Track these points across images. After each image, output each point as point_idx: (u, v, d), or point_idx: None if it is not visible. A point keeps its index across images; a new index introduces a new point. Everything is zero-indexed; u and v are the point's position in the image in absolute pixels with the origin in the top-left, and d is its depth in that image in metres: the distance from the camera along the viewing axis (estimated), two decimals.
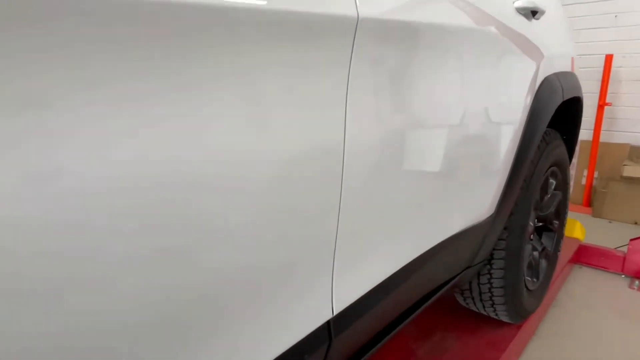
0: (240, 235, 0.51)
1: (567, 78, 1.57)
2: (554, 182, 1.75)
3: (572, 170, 4.02)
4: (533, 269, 1.73)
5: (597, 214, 3.64)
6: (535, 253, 1.75)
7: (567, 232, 2.71)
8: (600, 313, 2.10)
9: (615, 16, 3.77)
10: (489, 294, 1.50)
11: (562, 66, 1.54)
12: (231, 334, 0.54)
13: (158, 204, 0.42)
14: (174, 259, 0.45)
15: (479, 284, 1.51)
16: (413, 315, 1.08)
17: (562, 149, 1.69)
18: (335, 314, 0.69)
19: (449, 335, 1.65)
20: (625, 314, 2.10)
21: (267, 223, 0.54)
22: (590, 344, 1.83)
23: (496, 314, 1.60)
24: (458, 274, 1.27)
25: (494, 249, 1.43)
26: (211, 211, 0.47)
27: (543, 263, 1.81)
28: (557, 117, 1.80)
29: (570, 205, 3.97)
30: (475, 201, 1.16)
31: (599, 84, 3.81)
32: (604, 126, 3.85)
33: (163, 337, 0.46)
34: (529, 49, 1.26)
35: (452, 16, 0.90)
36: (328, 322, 0.69)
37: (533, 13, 1.30)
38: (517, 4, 1.20)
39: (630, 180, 3.39)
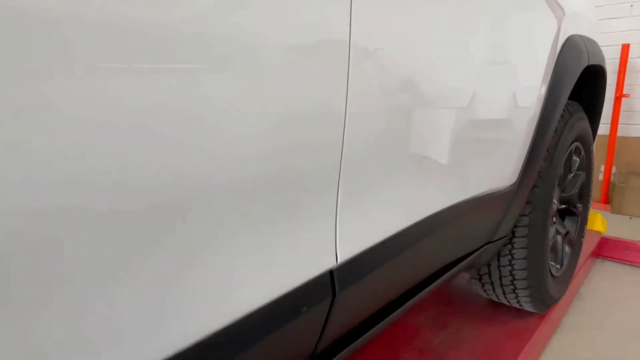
0: (239, 160, 0.42)
1: (591, 42, 1.46)
2: (577, 161, 1.62)
3: None
4: (557, 253, 1.60)
5: (616, 210, 3.48)
6: (559, 237, 1.62)
7: (588, 225, 2.56)
8: (626, 306, 1.95)
9: (632, 5, 3.65)
10: (510, 277, 1.37)
11: (586, 29, 1.43)
12: (226, 259, 0.44)
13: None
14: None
15: (499, 266, 1.38)
16: (430, 288, 0.96)
17: (585, 123, 1.57)
18: (339, 262, 0.58)
19: (466, 326, 1.51)
20: None
21: (264, 152, 0.45)
22: (617, 338, 1.68)
23: (518, 302, 1.47)
24: (477, 249, 1.15)
25: (515, 226, 1.30)
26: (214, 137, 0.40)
27: (567, 249, 1.67)
28: (578, 89, 1.68)
29: None
30: (497, 164, 1.04)
31: (615, 76, 3.67)
32: (621, 119, 3.71)
33: (156, 252, 0.37)
34: (550, 2, 1.15)
35: None
36: (331, 273, 0.58)
37: None
38: None
39: None
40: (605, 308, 1.93)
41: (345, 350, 0.70)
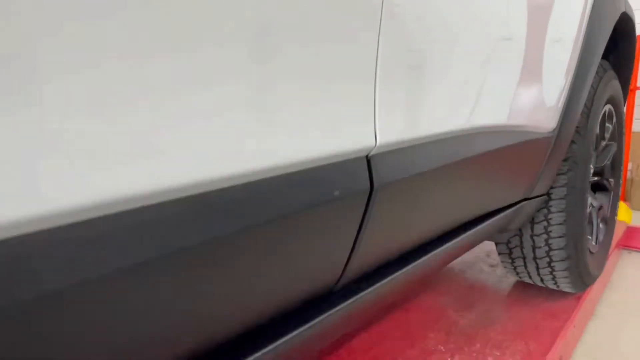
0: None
1: None
2: (610, 128, 1.49)
3: None
4: (592, 226, 1.45)
5: (636, 207, 3.33)
6: (593, 210, 1.47)
7: None
8: None
9: None
10: (546, 248, 1.23)
11: None
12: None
13: None
14: None
15: (532, 235, 1.23)
16: (462, 240, 0.81)
17: (617, 84, 1.45)
18: (378, 143, 0.44)
19: (496, 307, 1.36)
20: None
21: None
22: None
23: (554, 278, 1.31)
24: (514, 205, 1.01)
25: (552, 187, 1.16)
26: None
27: (601, 225, 1.53)
28: (607, 49, 1.57)
29: None
30: (537, 99, 0.91)
31: None
32: (636, 114, 3.59)
33: None
34: None
35: None
36: (368, 159, 0.44)
37: None
38: None
39: None
40: (638, 294, 1.77)
41: (366, 291, 0.55)
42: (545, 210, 1.19)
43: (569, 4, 0.99)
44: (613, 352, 1.34)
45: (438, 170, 0.57)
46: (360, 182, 0.43)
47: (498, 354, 1.10)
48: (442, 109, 0.57)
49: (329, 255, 0.45)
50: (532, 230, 1.23)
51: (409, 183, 0.50)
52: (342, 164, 0.41)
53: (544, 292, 1.45)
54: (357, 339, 1.17)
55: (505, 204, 0.95)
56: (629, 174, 3.62)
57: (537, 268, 1.31)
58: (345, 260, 0.47)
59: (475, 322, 1.25)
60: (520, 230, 1.25)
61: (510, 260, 1.36)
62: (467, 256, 1.86)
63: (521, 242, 1.27)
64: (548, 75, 0.94)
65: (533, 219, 1.21)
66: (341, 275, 0.49)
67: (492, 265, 1.71)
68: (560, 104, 1.01)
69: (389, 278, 0.56)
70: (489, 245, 1.90)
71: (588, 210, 1.37)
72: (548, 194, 1.17)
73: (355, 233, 0.46)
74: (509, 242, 1.30)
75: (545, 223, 1.20)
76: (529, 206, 1.09)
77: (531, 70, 0.87)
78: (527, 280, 1.42)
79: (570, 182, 1.16)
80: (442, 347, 1.12)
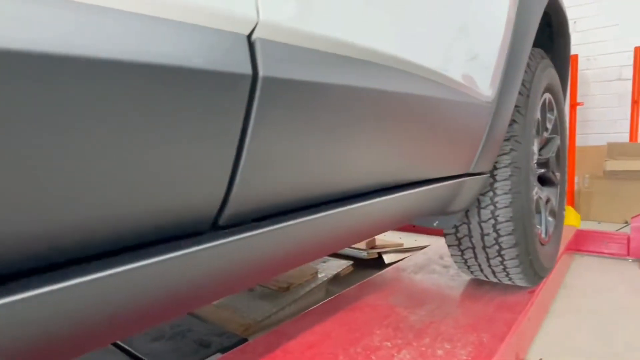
0: None
1: None
2: (552, 119, 1.50)
3: None
4: (541, 217, 1.42)
5: (585, 217, 3.41)
6: (541, 200, 1.45)
7: None
8: (616, 292, 1.77)
9: (574, 22, 3.82)
10: (495, 235, 1.17)
11: None
12: None
13: None
14: None
15: (480, 222, 1.18)
16: (378, 200, 0.72)
17: (555, 75, 1.46)
18: (260, 19, 0.36)
19: (448, 302, 1.28)
20: None
21: None
22: (611, 319, 1.48)
23: (505, 270, 1.25)
24: (454, 178, 0.95)
25: (496, 169, 1.12)
26: None
27: (550, 219, 1.50)
28: (542, 41, 1.59)
29: None
30: (471, 62, 0.87)
31: (568, 88, 3.76)
32: (578, 129, 3.75)
33: None
34: None
35: None
36: (251, 40, 0.36)
37: None
38: None
39: (614, 175, 3.22)
40: (595, 294, 1.74)
41: (259, 231, 0.43)
42: (491, 193, 1.14)
43: None
44: (569, 349, 1.28)
45: (343, 90, 0.48)
46: (241, 60, 0.34)
47: (449, 347, 1.01)
48: (356, 17, 0.49)
49: (201, 161, 0.35)
50: (479, 216, 1.17)
51: (305, 89, 0.42)
52: (215, 33, 0.32)
53: (498, 287, 1.39)
54: (297, 336, 1.04)
55: (443, 175, 0.89)
56: (576, 186, 3.74)
57: (488, 259, 1.24)
58: (226, 177, 0.37)
59: (425, 318, 1.16)
60: (467, 218, 1.20)
61: (460, 253, 1.29)
62: (420, 259, 1.79)
63: (469, 230, 1.21)
64: (483, 39, 0.91)
65: (480, 203, 1.16)
66: (224, 202, 0.39)
67: (444, 266, 1.64)
68: (497, 74, 0.98)
69: (293, 222, 0.46)
70: (443, 249, 1.84)
71: (535, 197, 1.34)
72: (493, 176, 1.13)
73: (237, 136, 0.36)
74: (457, 231, 1.24)
75: (492, 207, 1.15)
76: (472, 184, 1.03)
77: (465, 26, 0.83)
78: (479, 275, 1.36)
79: (513, 162, 1.12)
80: (388, 343, 1.02)
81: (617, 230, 2.34)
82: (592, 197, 3.35)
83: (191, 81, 0.33)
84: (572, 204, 3.69)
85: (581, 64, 3.74)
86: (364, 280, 1.51)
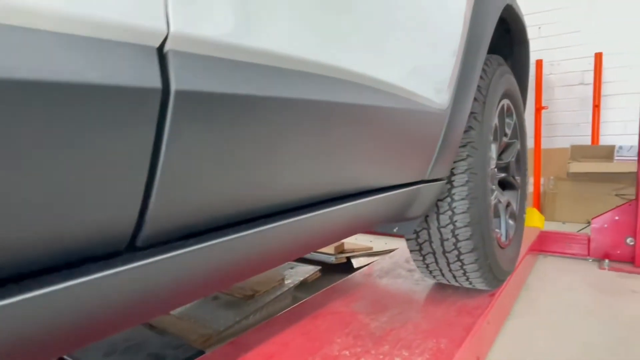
0: None
1: None
2: (511, 123, 1.52)
3: None
4: (501, 221, 1.44)
5: (550, 218, 3.50)
6: (501, 206, 1.47)
7: (526, 221, 2.50)
8: (577, 291, 1.82)
9: (539, 28, 3.93)
10: (454, 240, 1.18)
11: None
12: None
13: None
14: None
15: (439, 227, 1.19)
16: (324, 211, 0.72)
17: (513, 79, 1.48)
18: (171, 31, 0.34)
19: (410, 307, 1.28)
20: (603, 290, 1.83)
21: None
22: (572, 319, 1.52)
23: (465, 274, 1.26)
24: (410, 185, 0.95)
25: (453, 175, 1.13)
26: None
27: (510, 222, 1.53)
28: (500, 48, 1.63)
29: None
30: (423, 69, 0.87)
31: (533, 92, 3.86)
32: (543, 132, 3.86)
33: None
34: None
35: None
36: (161, 54, 0.34)
37: None
38: None
39: (577, 177, 3.32)
40: (556, 295, 1.78)
41: (182, 251, 0.41)
42: (449, 199, 1.15)
43: None
44: (530, 351, 1.30)
45: (271, 101, 0.46)
46: (150, 75, 0.32)
47: (406, 354, 1.01)
48: (282, 24, 0.48)
49: (110, 179, 0.33)
50: (438, 221, 1.18)
51: (226, 101, 0.40)
52: (123, 46, 0.30)
53: (460, 291, 1.40)
54: (255, 347, 1.02)
55: (397, 182, 0.89)
56: (542, 187, 3.84)
57: (448, 263, 1.25)
58: (139, 196, 0.36)
59: (386, 324, 1.16)
60: (427, 223, 1.20)
61: (421, 258, 1.30)
62: (386, 263, 1.79)
63: (429, 235, 1.22)
64: (436, 47, 0.91)
65: (438, 209, 1.17)
66: (140, 222, 0.37)
67: (409, 270, 1.65)
68: (452, 82, 0.99)
69: (225, 238, 0.45)
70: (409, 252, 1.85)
71: (494, 201, 1.36)
72: (450, 182, 1.14)
73: (149, 152, 0.35)
74: (418, 236, 1.25)
75: (450, 212, 1.16)
76: (428, 190, 1.03)
77: (416, 34, 0.83)
78: (441, 279, 1.37)
79: (470, 168, 1.13)
80: (347, 352, 1.01)
81: (579, 231, 2.41)
82: (556, 198, 3.45)
83: (96, 97, 0.31)
84: (538, 205, 3.79)
85: (546, 69, 3.85)
86: (329, 287, 1.50)
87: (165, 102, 0.35)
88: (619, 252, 2.19)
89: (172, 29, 0.34)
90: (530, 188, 3.84)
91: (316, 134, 0.55)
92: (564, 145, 3.86)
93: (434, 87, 0.90)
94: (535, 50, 3.91)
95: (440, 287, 1.45)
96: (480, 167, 1.16)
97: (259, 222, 0.51)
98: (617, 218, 2.19)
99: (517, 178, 1.63)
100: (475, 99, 1.15)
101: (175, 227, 0.40)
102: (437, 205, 1.16)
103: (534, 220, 2.51)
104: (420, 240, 1.25)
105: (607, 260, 2.15)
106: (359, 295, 1.40)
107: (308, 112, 0.51)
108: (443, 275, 1.33)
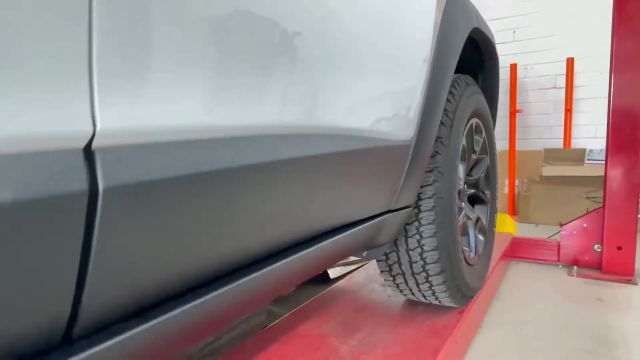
0: None
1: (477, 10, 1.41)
2: (480, 141, 1.55)
3: None
4: (470, 239, 1.46)
5: (524, 219, 3.58)
6: (470, 222, 1.49)
7: (498, 227, 2.55)
8: (546, 300, 1.87)
9: (514, 32, 3.99)
10: (422, 262, 1.19)
11: None
12: None
13: None
14: None
15: (408, 250, 1.20)
16: (312, 252, 0.72)
17: (482, 98, 1.50)
18: (98, 129, 0.33)
19: (381, 329, 1.29)
20: (572, 297, 1.89)
21: None
22: (542, 330, 1.56)
23: (434, 293, 1.28)
24: (376, 217, 0.96)
25: (420, 199, 1.14)
26: None
27: (480, 237, 1.55)
28: (472, 68, 1.64)
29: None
30: (386, 107, 0.87)
31: (507, 95, 3.92)
32: (518, 135, 3.93)
33: None
34: None
35: None
36: (89, 152, 0.33)
37: None
38: None
39: (550, 180, 3.39)
40: (526, 304, 1.83)
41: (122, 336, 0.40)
42: (416, 223, 1.16)
43: (417, 11, 0.98)
44: None
45: (212, 175, 0.46)
46: (76, 178, 0.32)
47: None
48: (217, 94, 0.47)
49: (38, 277, 0.32)
50: (407, 244, 1.19)
51: (161, 185, 0.39)
52: (45, 154, 0.30)
53: (431, 308, 1.42)
54: None
55: (361, 217, 0.89)
56: (516, 189, 3.91)
57: (417, 284, 1.27)
58: (71, 290, 0.35)
59: (356, 348, 1.17)
60: (396, 246, 1.22)
61: (392, 278, 1.31)
62: (361, 276, 1.81)
63: (398, 257, 1.23)
64: (398, 83, 0.92)
65: (407, 232, 1.18)
66: (74, 314, 0.36)
67: (383, 285, 1.67)
68: (416, 113, 1.00)
69: (173, 313, 0.44)
70: None
71: (462, 221, 1.38)
72: (417, 207, 1.15)
73: (78, 249, 0.34)
74: (387, 258, 1.26)
75: (417, 236, 1.17)
76: (394, 219, 1.04)
77: (377, 75, 0.83)
78: (411, 297, 1.39)
79: (437, 192, 1.14)
80: None
81: (550, 237, 2.47)
82: (530, 201, 3.52)
83: (18, 212, 0.30)
84: (512, 206, 3.87)
85: (520, 72, 3.91)
86: (302, 306, 1.50)
87: (94, 200, 0.34)
88: (587, 258, 2.25)
89: (98, 127, 0.34)
90: (505, 190, 3.91)
91: (268, 194, 0.55)
92: (537, 147, 3.94)
93: (397, 122, 0.91)
94: (510, 54, 3.97)
95: (411, 303, 1.47)
96: (447, 191, 1.17)
97: (209, 287, 0.50)
98: (585, 225, 2.25)
99: (487, 192, 1.65)
100: (442, 123, 1.17)
101: (113, 313, 0.40)
102: (405, 229, 1.18)
103: (506, 226, 2.56)
104: (389, 262, 1.26)
105: (575, 267, 2.21)
106: (331, 314, 1.41)
107: (255, 176, 0.51)
108: (413, 294, 1.34)
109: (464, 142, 1.34)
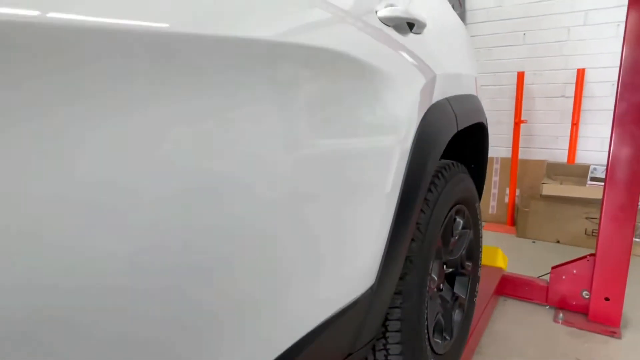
0: None
1: (464, 102, 1.34)
2: (461, 222, 1.51)
3: (495, 190, 3.94)
4: (444, 328, 1.46)
5: (521, 234, 3.55)
6: (447, 306, 1.48)
7: (489, 261, 2.53)
8: (525, 357, 1.88)
9: (524, 34, 3.78)
10: None
11: (457, 89, 1.31)
12: None
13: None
14: None
15: None
16: None
17: (468, 183, 1.45)
18: None
19: None
20: (551, 354, 1.90)
21: None
22: None
23: None
24: None
25: (387, 320, 1.13)
26: None
27: (457, 315, 1.55)
28: (459, 146, 1.58)
29: (495, 225, 3.88)
30: (334, 277, 0.85)
31: (514, 101, 3.78)
32: (521, 143, 3.82)
33: None
34: (401, 71, 0.99)
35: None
36: None
37: (410, 26, 1.05)
38: (382, 14, 0.92)
39: (550, 198, 3.33)
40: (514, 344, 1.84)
41: None
42: (383, 340, 1.16)
43: (378, 156, 0.93)
44: None
45: None
46: None
47: None
48: None
49: None
50: (374, 356, 1.20)
51: None
52: None
53: None
54: None
55: None
56: (516, 199, 3.85)
57: None
58: None
59: None
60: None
61: None
62: None
63: None
64: (350, 241, 0.88)
65: (374, 346, 1.18)
66: None
67: None
68: (379, 258, 0.97)
69: None
70: None
71: (436, 318, 1.37)
72: (384, 327, 1.14)
73: None
74: None
75: (384, 352, 1.17)
76: (359, 355, 1.04)
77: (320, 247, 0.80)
78: None
79: (404, 313, 1.13)
80: None
81: (539, 276, 2.45)
82: (528, 216, 3.47)
83: None
84: (512, 218, 3.83)
85: (527, 78, 3.75)
86: None
87: None
88: (574, 303, 2.24)
89: None
90: (506, 199, 3.86)
91: None
92: (541, 157, 3.84)
93: (351, 287, 0.88)
94: (519, 58, 3.79)
95: None
96: (415, 309, 1.16)
97: None
98: (575, 271, 2.22)
99: (469, 264, 1.63)
100: (412, 240, 1.13)
101: None
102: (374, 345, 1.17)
103: (498, 260, 2.54)
104: None
105: (561, 314, 2.21)
106: None
107: None
108: None
109: (437, 244, 1.31)
